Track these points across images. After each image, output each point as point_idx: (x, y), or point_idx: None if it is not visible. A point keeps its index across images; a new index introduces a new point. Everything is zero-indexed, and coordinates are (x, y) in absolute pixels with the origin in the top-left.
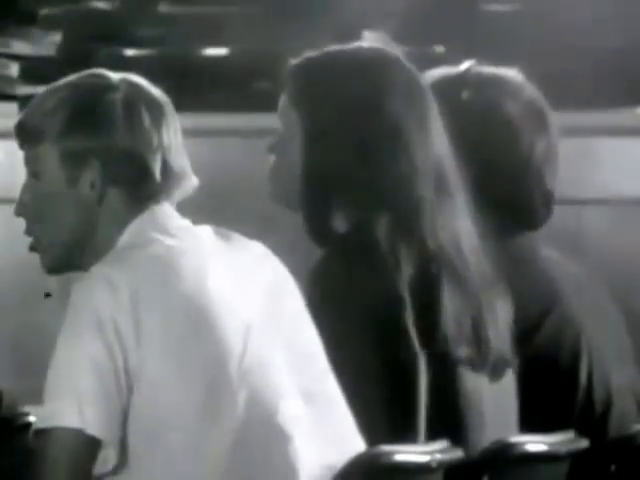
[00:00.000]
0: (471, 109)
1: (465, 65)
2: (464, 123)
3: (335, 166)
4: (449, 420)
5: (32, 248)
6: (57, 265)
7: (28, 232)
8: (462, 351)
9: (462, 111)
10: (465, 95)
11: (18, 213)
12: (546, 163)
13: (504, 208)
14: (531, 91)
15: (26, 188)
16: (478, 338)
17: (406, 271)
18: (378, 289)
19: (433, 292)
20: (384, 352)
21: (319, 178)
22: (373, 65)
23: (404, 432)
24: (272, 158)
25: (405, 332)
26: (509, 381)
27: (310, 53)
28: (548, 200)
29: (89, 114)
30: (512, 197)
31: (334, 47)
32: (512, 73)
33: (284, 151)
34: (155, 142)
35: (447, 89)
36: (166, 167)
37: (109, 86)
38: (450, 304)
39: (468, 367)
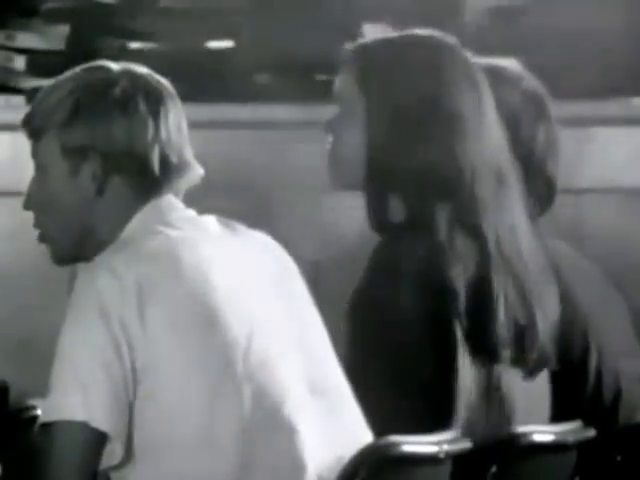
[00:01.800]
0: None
1: None
2: None
3: (398, 152)
4: (486, 415)
5: (41, 239)
6: (64, 256)
7: (37, 225)
8: (508, 352)
9: None
10: None
11: (26, 206)
12: (548, 151)
13: None
14: (529, 80)
15: (33, 182)
16: (524, 339)
17: (462, 264)
18: (431, 282)
19: (489, 291)
20: (428, 343)
21: (382, 163)
22: (434, 52)
23: (440, 420)
24: (330, 139)
25: (451, 328)
26: (543, 378)
27: (368, 39)
28: (551, 188)
29: (88, 108)
30: None
31: (392, 34)
32: (509, 63)
33: (343, 132)
34: (152, 134)
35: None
36: (165, 158)
37: (109, 79)
38: (503, 305)
39: (510, 366)
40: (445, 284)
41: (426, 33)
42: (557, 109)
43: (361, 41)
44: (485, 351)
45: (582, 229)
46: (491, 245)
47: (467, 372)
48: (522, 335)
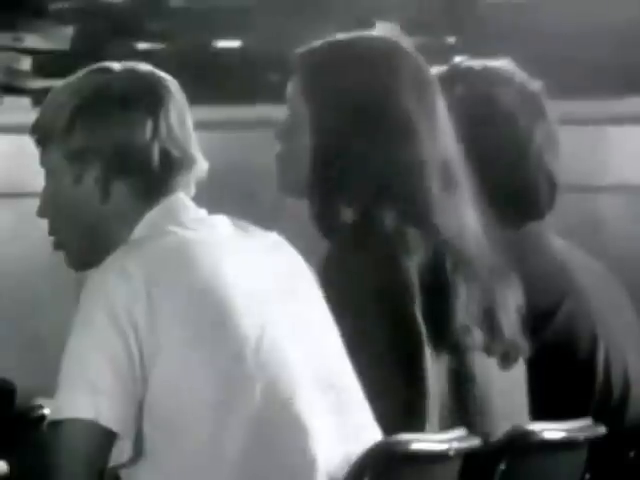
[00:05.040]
0: (465, 103)
1: (455, 60)
2: (460, 118)
3: (343, 155)
4: (459, 407)
5: (55, 246)
6: (80, 262)
7: (51, 232)
8: (473, 339)
9: (456, 106)
10: (458, 90)
11: (40, 214)
12: (546, 148)
13: (508, 198)
14: (523, 79)
15: (44, 189)
16: (490, 326)
17: (416, 259)
18: (387, 278)
19: (446, 280)
20: (390, 338)
21: (327, 167)
22: (382, 54)
23: (412, 418)
24: (279, 145)
25: (412, 319)
26: (519, 370)
27: (317, 42)
28: (552, 185)
29: (86, 112)
30: (515, 185)
31: (341, 36)
32: (502, 63)
33: (291, 138)
34: (150, 132)
35: (440, 86)
36: (167, 154)
37: (107, 81)
38: (462, 292)
39: (479, 354)
40: (399, 277)
41: (376, 35)
42: (573, 108)
43: (309, 45)
44: (449, 338)
45: (597, 227)
46: (443, 240)
47: (434, 366)
48: (487, 323)
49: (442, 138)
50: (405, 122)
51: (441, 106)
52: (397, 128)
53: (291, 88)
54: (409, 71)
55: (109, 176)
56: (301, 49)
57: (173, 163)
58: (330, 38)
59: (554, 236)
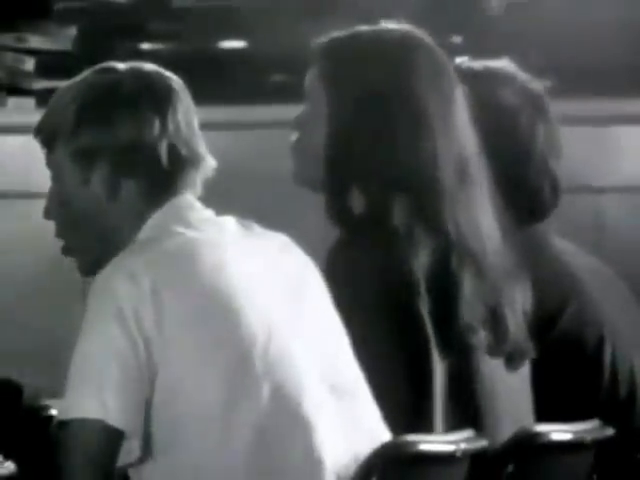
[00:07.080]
0: (468, 103)
1: (457, 61)
2: None
3: (357, 145)
4: (465, 407)
5: (64, 252)
6: (91, 266)
7: (58, 235)
8: (479, 338)
9: None
10: None
11: (46, 216)
12: (549, 148)
13: (511, 199)
14: (524, 78)
15: (50, 192)
16: (496, 326)
17: (423, 256)
18: (391, 273)
19: (451, 279)
20: (396, 336)
21: (341, 155)
22: (401, 46)
23: (418, 418)
24: (295, 134)
25: (417, 317)
26: (524, 370)
27: (338, 32)
28: (555, 186)
29: (92, 112)
30: (518, 185)
31: (362, 27)
32: (504, 63)
33: (307, 127)
34: (158, 131)
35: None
36: (175, 153)
37: (113, 80)
38: (468, 291)
39: (485, 354)
40: (405, 274)
41: (397, 28)
42: (579, 107)
43: (329, 36)
44: (455, 338)
45: (601, 227)
46: (452, 237)
47: (440, 366)
48: (494, 323)
49: (459, 132)
50: (421, 115)
51: (460, 100)
52: (413, 120)
53: (310, 77)
54: (428, 64)
55: (117, 175)
56: (322, 39)
57: (181, 161)
58: (348, 29)
59: (557, 237)
